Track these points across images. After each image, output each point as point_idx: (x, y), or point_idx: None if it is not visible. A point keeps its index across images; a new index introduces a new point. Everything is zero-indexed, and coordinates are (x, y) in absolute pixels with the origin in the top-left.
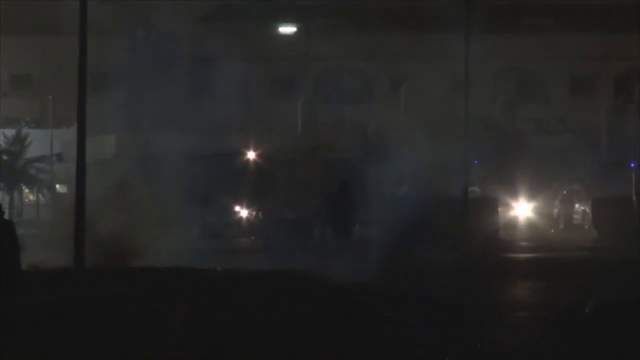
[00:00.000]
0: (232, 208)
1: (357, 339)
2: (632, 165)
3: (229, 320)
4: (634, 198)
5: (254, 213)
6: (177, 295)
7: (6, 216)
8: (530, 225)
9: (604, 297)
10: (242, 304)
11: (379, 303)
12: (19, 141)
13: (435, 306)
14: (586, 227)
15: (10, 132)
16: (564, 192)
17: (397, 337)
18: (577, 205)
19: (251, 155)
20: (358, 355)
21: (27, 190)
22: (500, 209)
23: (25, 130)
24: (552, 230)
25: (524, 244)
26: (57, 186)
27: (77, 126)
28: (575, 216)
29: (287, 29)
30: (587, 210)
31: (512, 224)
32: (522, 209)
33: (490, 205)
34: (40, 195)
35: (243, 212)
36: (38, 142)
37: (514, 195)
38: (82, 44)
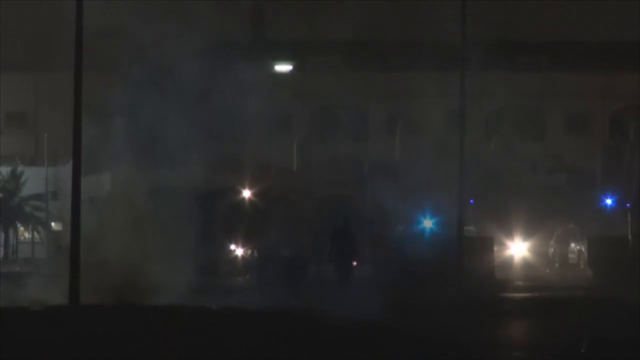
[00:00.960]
0: (227, 246)
1: None
2: (628, 205)
3: None
4: (630, 237)
5: (249, 251)
6: (168, 334)
7: (1, 254)
8: (526, 264)
9: (599, 337)
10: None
11: (381, 341)
12: (14, 179)
13: (433, 344)
14: (582, 266)
15: (5, 169)
16: (560, 231)
17: None
18: (572, 245)
19: (246, 192)
20: None
21: (22, 228)
22: (495, 248)
23: (20, 168)
24: (548, 270)
25: (520, 283)
26: (52, 224)
27: (72, 163)
28: (571, 255)
29: (283, 67)
30: (583, 250)
31: (508, 263)
32: (517, 248)
33: (485, 244)
34: (35, 233)
35: (238, 250)
36: (33, 179)
37: (510, 234)
38: (78, 82)
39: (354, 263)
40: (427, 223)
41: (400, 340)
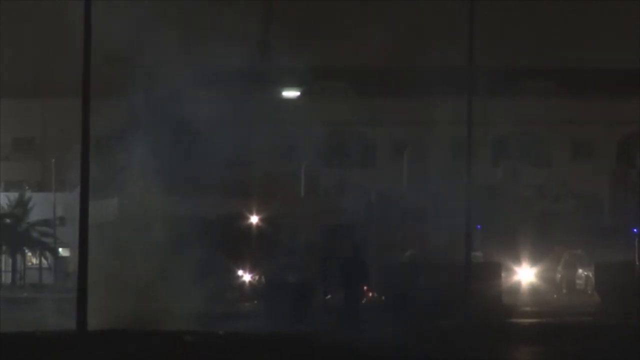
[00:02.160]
0: (235, 272)
1: None
2: (635, 230)
3: None
4: (637, 263)
5: (256, 277)
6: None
7: (8, 280)
8: (533, 290)
9: None
10: None
11: None
12: (22, 204)
13: None
14: (589, 292)
15: (13, 195)
16: (567, 256)
17: None
18: (579, 270)
19: (254, 219)
20: None
21: (29, 254)
22: (503, 274)
23: (28, 194)
24: (555, 295)
25: (527, 308)
26: (60, 249)
27: (80, 189)
28: (578, 281)
29: (290, 94)
30: (590, 275)
31: (515, 289)
32: (525, 274)
33: (493, 270)
34: (42, 258)
35: (246, 277)
36: (41, 205)
37: (517, 260)
38: (85, 108)
39: (365, 288)
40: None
41: None
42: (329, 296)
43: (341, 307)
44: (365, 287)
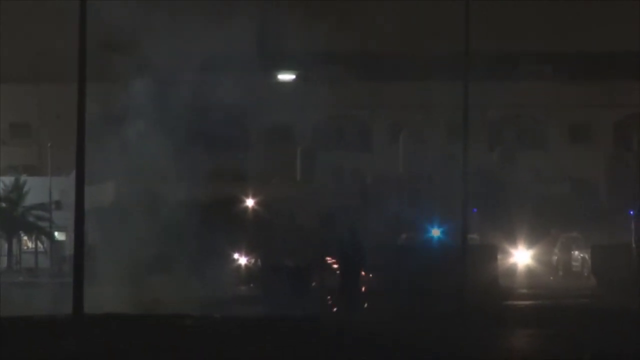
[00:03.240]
0: (231, 256)
1: None
2: (632, 212)
3: None
4: (634, 245)
5: (252, 261)
6: (172, 343)
7: (4, 264)
8: (530, 272)
9: (603, 348)
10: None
11: (390, 352)
12: (18, 189)
13: (436, 353)
14: (585, 274)
15: (8, 179)
16: (563, 239)
17: None
18: (576, 253)
19: (250, 203)
20: None
21: (25, 238)
22: (499, 257)
23: (23, 178)
24: (552, 278)
25: (524, 291)
26: (56, 233)
27: (75, 173)
28: (575, 263)
29: (285, 77)
30: (587, 258)
31: (512, 272)
32: (521, 257)
33: (489, 252)
34: (38, 242)
35: (242, 260)
36: (36, 189)
37: (513, 242)
38: (81, 92)
39: (362, 273)
40: (435, 232)
41: (403, 348)
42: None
43: (338, 291)
44: (362, 272)
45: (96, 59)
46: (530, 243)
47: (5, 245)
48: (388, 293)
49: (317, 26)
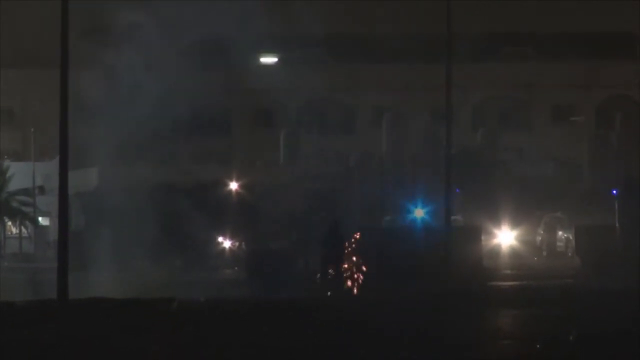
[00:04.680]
0: (215, 239)
1: None
2: (615, 192)
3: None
4: (617, 225)
5: (237, 244)
6: (158, 326)
7: None
8: (514, 253)
9: (588, 327)
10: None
11: (374, 332)
12: (1, 174)
13: (423, 334)
14: (569, 254)
15: None
16: (547, 219)
17: None
18: (560, 233)
19: (234, 186)
20: None
21: (9, 223)
22: (483, 237)
23: (7, 163)
24: (536, 258)
25: (508, 271)
26: (40, 219)
27: (59, 158)
28: (559, 244)
29: (268, 60)
30: (571, 238)
31: (496, 252)
32: (505, 237)
33: (473, 233)
34: (22, 228)
35: (226, 243)
36: (20, 174)
37: (497, 223)
38: (64, 77)
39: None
40: (419, 212)
41: (387, 330)
42: (318, 275)
43: (322, 274)
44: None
45: (78, 44)
46: (514, 224)
47: None
48: (373, 275)
49: (300, 9)
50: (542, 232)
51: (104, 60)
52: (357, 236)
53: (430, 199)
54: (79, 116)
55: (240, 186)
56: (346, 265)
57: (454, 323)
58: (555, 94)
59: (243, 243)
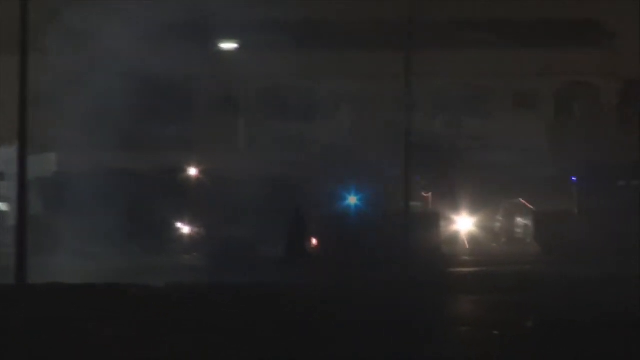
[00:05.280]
0: (174, 224)
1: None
2: (574, 179)
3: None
4: (576, 212)
5: (195, 229)
6: (114, 314)
7: None
8: (473, 239)
9: (546, 313)
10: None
11: (326, 321)
12: None
13: (379, 322)
14: (528, 240)
15: None
16: (506, 206)
17: (341, 355)
18: (519, 219)
19: (193, 172)
20: None
21: None
22: (442, 224)
23: None
24: (494, 244)
25: (466, 258)
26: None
27: (18, 144)
28: (517, 230)
29: (228, 46)
30: (529, 224)
31: (454, 239)
32: (464, 224)
33: (432, 220)
34: None
35: (185, 229)
36: None
37: (456, 210)
38: (23, 62)
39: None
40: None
41: (344, 318)
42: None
43: (283, 260)
44: (307, 242)
45: (38, 28)
46: (474, 210)
47: None
48: (331, 261)
49: None
50: (500, 218)
51: (62, 45)
52: (319, 222)
53: (390, 186)
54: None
55: (200, 172)
56: (310, 252)
57: (412, 310)
58: (515, 81)
59: (202, 228)
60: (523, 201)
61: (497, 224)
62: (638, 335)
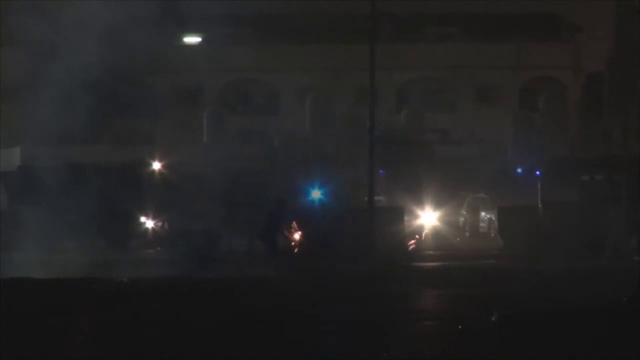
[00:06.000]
0: (138, 219)
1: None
2: (538, 173)
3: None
4: (540, 206)
5: (160, 224)
6: (80, 308)
7: None
8: (437, 233)
9: (510, 307)
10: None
11: (287, 317)
12: None
13: (342, 317)
14: (492, 235)
15: None
16: (470, 200)
17: (305, 350)
18: (483, 214)
19: (157, 165)
20: None
21: None
22: (406, 218)
23: None
24: (458, 239)
25: (430, 252)
26: None
27: None
28: (482, 224)
29: (191, 39)
30: (493, 219)
31: (419, 233)
32: (428, 218)
33: (396, 214)
34: None
35: (149, 223)
36: None
37: (420, 204)
38: None
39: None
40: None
41: (309, 311)
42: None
43: (248, 254)
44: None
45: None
46: (438, 205)
47: None
48: (297, 255)
49: None
50: (465, 212)
51: (24, 39)
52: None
53: (354, 180)
54: (4, 95)
55: (164, 166)
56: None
57: (376, 304)
58: (479, 75)
59: (166, 223)
60: (486, 195)
61: (461, 218)
62: (601, 327)
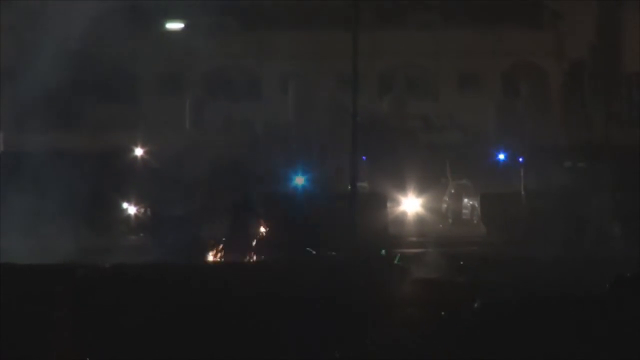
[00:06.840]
0: (120, 205)
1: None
2: (521, 160)
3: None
4: (522, 193)
5: (142, 210)
6: (61, 293)
7: None
8: (419, 220)
9: (492, 294)
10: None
11: (269, 304)
12: None
13: (324, 304)
14: (475, 221)
15: None
16: (453, 187)
17: (286, 337)
18: (465, 200)
19: (139, 152)
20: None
21: None
22: (389, 205)
23: None
24: (441, 225)
25: (413, 239)
26: None
27: None
28: (464, 211)
29: (174, 26)
30: (476, 205)
31: (401, 220)
32: (410, 205)
33: (378, 201)
34: None
35: (131, 210)
36: None
37: (403, 191)
38: None
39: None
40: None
41: (289, 298)
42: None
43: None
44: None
45: None
46: (420, 191)
47: None
48: (280, 241)
49: None
50: (447, 199)
51: (4, 24)
52: (265, 202)
53: (338, 166)
54: None
55: (146, 152)
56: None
57: (358, 291)
58: (461, 61)
59: (148, 209)
60: (469, 182)
61: (444, 205)
62: (584, 313)
